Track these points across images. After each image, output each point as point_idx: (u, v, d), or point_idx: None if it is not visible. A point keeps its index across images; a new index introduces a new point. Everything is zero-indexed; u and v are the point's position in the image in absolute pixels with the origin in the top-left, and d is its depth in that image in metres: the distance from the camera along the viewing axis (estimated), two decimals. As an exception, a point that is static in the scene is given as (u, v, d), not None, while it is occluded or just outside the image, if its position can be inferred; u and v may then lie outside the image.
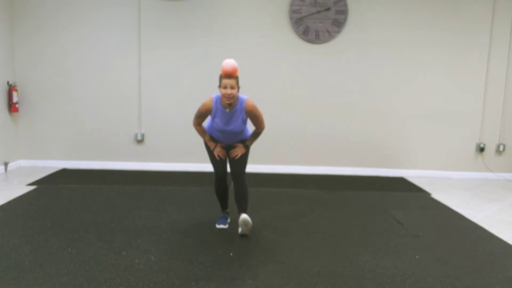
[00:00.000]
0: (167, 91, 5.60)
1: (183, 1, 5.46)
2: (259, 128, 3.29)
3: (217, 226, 3.49)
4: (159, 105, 5.62)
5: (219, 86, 3.06)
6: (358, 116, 5.71)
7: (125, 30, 5.48)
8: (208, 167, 5.68)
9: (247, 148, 3.34)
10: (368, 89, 5.67)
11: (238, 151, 3.31)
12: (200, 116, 3.25)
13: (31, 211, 3.75)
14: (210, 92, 5.49)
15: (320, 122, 5.71)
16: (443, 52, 5.62)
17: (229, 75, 3.00)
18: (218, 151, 3.33)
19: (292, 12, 5.48)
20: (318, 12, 5.48)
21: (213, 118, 3.23)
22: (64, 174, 5.22)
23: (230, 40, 5.53)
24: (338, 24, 5.50)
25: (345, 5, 5.47)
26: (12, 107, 5.32)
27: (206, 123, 3.46)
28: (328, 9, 5.48)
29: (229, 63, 3.00)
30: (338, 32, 5.52)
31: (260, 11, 5.52)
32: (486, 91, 5.71)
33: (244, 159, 3.34)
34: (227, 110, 3.15)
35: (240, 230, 3.30)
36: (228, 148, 3.40)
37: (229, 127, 3.20)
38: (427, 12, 5.55)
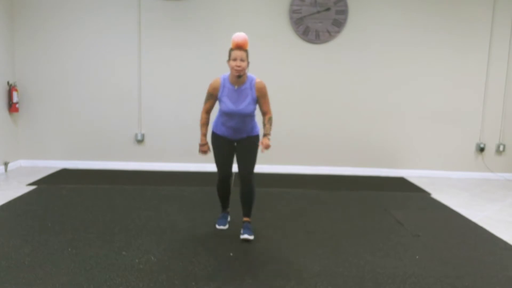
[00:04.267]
0: (167, 91, 5.60)
1: (183, 1, 5.46)
2: (269, 112, 3.13)
3: (217, 227, 3.47)
4: (159, 105, 5.61)
5: (228, 60, 2.96)
6: (358, 116, 5.71)
7: (125, 30, 5.48)
8: (208, 167, 5.68)
9: (268, 137, 3.10)
10: (368, 89, 5.67)
11: (264, 143, 3.02)
12: (208, 99, 3.13)
13: (31, 211, 3.75)
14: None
15: (320, 122, 5.71)
16: (443, 52, 5.62)
17: (240, 46, 2.91)
18: (204, 149, 3.24)
19: (292, 12, 5.48)
20: (318, 12, 5.48)
21: (220, 98, 3.09)
22: (64, 174, 5.22)
23: (230, 40, 5.52)
24: (338, 24, 5.50)
25: (345, 5, 5.47)
26: (12, 107, 5.32)
27: (209, 126, 3.43)
28: (328, 9, 5.48)
29: (239, 34, 2.91)
30: (338, 32, 5.52)
31: (260, 11, 5.52)
32: (486, 91, 5.71)
33: (253, 158, 3.20)
34: (236, 86, 3.04)
35: (241, 236, 3.24)
36: (235, 148, 3.26)
37: (238, 107, 3.04)
38: (427, 12, 5.55)
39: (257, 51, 5.55)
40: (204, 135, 3.24)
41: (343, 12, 5.48)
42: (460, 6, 5.55)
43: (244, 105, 3.05)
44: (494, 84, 5.70)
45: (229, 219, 3.61)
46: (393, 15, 5.55)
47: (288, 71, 5.61)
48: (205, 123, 3.23)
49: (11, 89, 5.29)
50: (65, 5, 5.42)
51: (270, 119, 3.14)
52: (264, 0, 5.50)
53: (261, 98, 3.09)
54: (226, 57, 5.50)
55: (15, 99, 5.32)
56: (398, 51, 5.61)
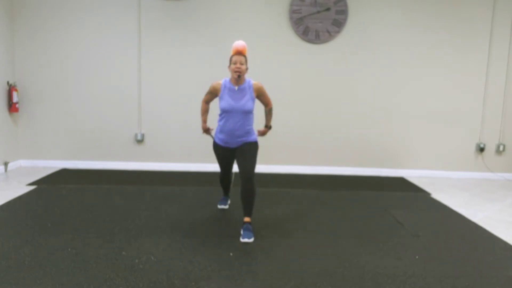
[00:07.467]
0: (167, 91, 5.60)
1: (183, 1, 5.46)
2: (269, 105, 3.52)
3: (219, 206, 3.99)
4: (159, 105, 5.62)
5: (229, 65, 3.30)
6: (358, 116, 5.71)
7: (125, 30, 5.48)
8: (208, 167, 5.68)
9: (269, 128, 3.60)
10: (368, 89, 5.67)
11: (262, 131, 3.59)
12: (208, 93, 3.51)
13: (31, 211, 3.75)
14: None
15: (320, 122, 5.71)
16: (443, 52, 5.62)
17: (239, 52, 3.27)
18: (208, 133, 3.61)
19: (292, 12, 5.48)
20: (318, 12, 5.48)
21: (221, 97, 3.36)
22: (64, 174, 5.22)
23: (230, 40, 5.52)
24: (338, 24, 5.50)
25: (345, 5, 5.47)
26: (12, 107, 5.32)
27: (212, 133, 3.47)
28: (328, 9, 5.48)
29: (239, 42, 3.30)
30: (338, 32, 5.52)
31: (260, 11, 5.52)
32: (486, 91, 5.71)
33: (253, 160, 3.34)
34: (236, 87, 3.32)
35: (241, 239, 3.24)
36: (234, 151, 3.48)
37: (238, 103, 3.31)
38: (427, 12, 5.55)
39: (257, 51, 5.55)
40: (204, 121, 3.63)
41: (343, 12, 5.48)
42: (460, 6, 5.55)
43: (243, 102, 3.33)
44: (494, 84, 5.70)
45: (229, 201, 4.08)
46: (393, 15, 5.55)
47: (288, 71, 5.61)
48: (204, 112, 3.63)
49: (11, 89, 5.29)
50: (65, 5, 5.42)
51: (270, 110, 3.56)
52: (264, 0, 5.50)
53: (261, 96, 3.45)
54: (226, 56, 5.51)
55: (15, 99, 5.32)
56: (398, 51, 5.61)
